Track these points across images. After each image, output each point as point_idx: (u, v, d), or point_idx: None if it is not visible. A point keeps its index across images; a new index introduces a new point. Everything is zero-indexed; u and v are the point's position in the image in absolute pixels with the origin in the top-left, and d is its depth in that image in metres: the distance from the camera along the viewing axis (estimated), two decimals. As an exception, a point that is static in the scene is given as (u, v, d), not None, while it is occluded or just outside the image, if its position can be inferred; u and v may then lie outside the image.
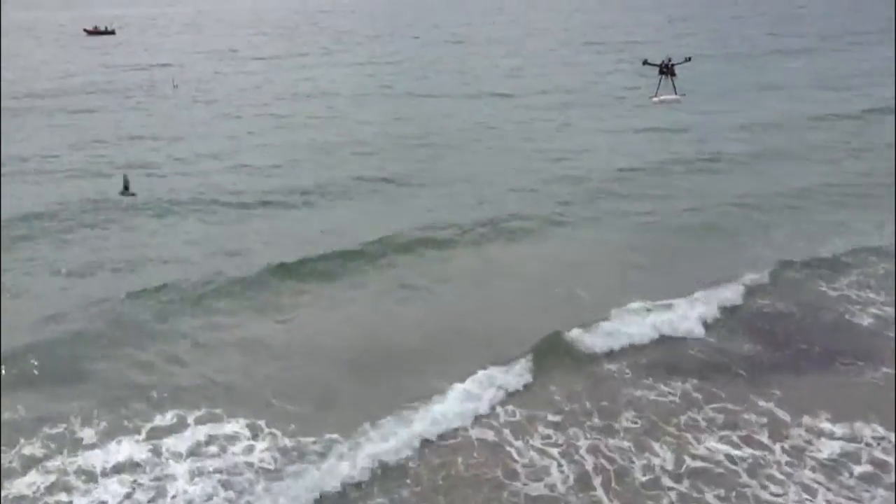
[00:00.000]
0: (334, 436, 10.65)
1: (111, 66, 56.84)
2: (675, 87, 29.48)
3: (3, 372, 12.06)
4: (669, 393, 12.63)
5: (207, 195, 20.10)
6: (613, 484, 10.18)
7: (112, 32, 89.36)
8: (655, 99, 29.89)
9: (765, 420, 11.58)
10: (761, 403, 11.99)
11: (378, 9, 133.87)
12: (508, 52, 57.58)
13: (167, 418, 11.64)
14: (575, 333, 12.98)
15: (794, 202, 19.01)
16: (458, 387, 11.61)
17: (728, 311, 14.27)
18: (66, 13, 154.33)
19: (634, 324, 13.65)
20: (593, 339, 13.10)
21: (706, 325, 13.83)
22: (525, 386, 11.86)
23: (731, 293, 14.77)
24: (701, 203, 19.37)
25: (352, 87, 41.92)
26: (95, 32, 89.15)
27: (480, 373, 11.88)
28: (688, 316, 14.00)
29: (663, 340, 13.49)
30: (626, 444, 10.95)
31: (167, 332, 13.10)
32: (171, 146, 27.05)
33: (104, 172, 23.20)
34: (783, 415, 11.68)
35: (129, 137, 28.99)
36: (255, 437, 10.99)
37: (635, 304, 14.17)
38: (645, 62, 30.72)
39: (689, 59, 29.90)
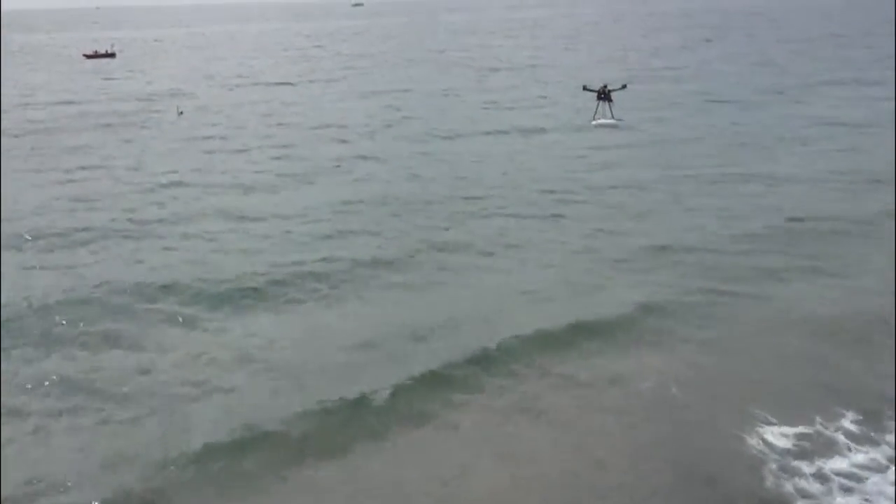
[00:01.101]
0: None
1: (110, 93, 53.87)
2: (612, 112, 30.06)
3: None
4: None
5: (212, 277, 16.25)
6: None
7: (112, 55, 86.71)
8: (594, 123, 30.58)
9: None
10: None
11: (384, 31, 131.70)
12: (528, 78, 54.58)
13: None
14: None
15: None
16: None
17: None
18: (66, 35, 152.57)
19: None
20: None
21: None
22: None
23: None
24: (839, 285, 15.66)
25: (366, 120, 38.71)
26: (95, 56, 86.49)
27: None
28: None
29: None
30: None
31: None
32: (170, 197, 23.58)
33: (94, 236, 19.59)
34: None
35: (124, 185, 25.60)
36: None
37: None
38: (584, 88, 31.94)
39: (625, 86, 30.90)
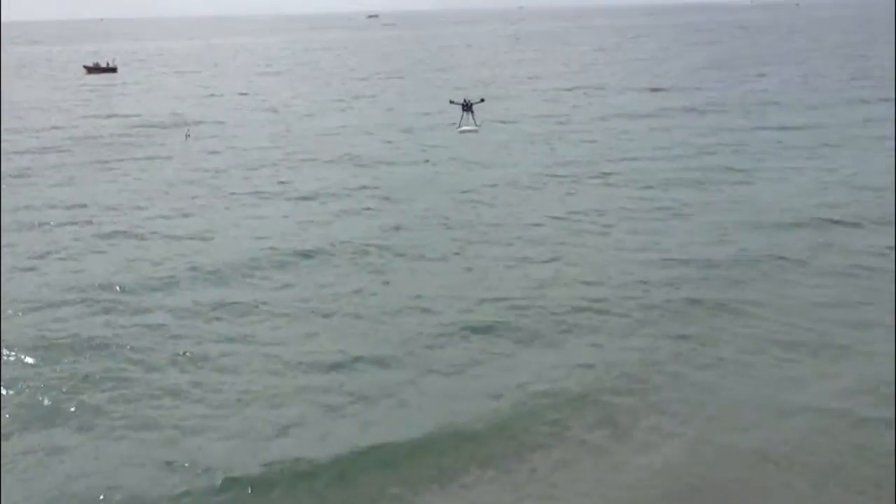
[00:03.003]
0: None
1: (109, 114, 49.96)
2: (474, 120, 33.99)
3: None
4: None
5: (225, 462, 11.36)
6: None
7: (114, 70, 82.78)
8: (459, 130, 34.69)
9: None
10: None
11: (391, 47, 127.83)
12: (561, 101, 50.14)
13: None
14: None
15: None
16: None
17: None
18: (69, 47, 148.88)
19: None
20: None
21: None
22: None
23: None
24: None
25: (383, 154, 34.99)
26: (96, 70, 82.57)
27: None
28: None
29: None
30: None
31: None
32: (183, 277, 18.64)
33: (95, 365, 14.29)
34: None
35: (123, 252, 20.81)
36: None
37: None
38: (451, 101, 35.72)
39: (483, 100, 34.80)
